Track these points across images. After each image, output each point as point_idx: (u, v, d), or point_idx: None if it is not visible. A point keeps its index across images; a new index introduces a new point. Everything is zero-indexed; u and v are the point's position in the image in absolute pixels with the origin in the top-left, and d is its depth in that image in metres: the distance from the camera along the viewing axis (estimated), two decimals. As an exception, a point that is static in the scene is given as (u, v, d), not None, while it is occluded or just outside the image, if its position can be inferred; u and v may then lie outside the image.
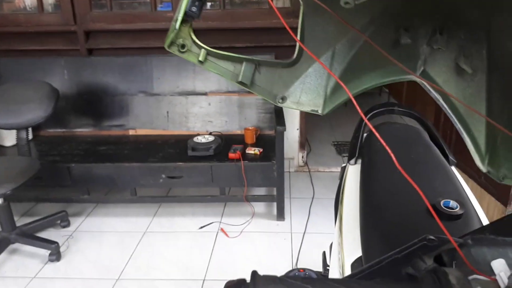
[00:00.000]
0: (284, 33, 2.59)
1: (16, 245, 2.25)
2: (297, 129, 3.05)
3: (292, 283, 0.33)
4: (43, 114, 2.25)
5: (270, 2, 0.48)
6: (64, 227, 2.47)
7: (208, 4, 2.96)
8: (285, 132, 2.33)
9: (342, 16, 0.54)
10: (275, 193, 2.45)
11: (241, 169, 2.35)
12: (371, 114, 1.42)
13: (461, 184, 0.99)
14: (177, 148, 2.55)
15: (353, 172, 1.32)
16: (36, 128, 2.84)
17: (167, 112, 2.81)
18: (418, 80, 0.65)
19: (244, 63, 0.57)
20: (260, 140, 2.62)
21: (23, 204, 2.66)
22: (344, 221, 1.09)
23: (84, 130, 2.86)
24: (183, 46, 0.54)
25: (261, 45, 2.79)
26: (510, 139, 0.59)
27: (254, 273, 0.35)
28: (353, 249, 0.93)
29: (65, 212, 2.48)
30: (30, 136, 2.60)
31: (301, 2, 0.58)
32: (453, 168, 1.16)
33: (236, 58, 0.57)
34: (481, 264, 0.36)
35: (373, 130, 0.50)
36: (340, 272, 0.94)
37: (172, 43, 0.51)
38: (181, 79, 2.77)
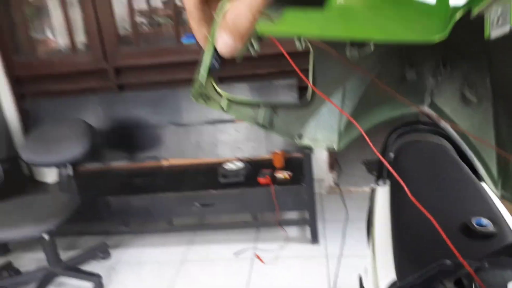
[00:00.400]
0: (304, 57, 2.64)
1: (62, 278, 2.35)
2: (325, 150, 3.06)
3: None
4: (81, 150, 2.37)
5: (278, 45, 0.51)
6: (104, 258, 2.55)
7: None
8: (313, 154, 2.36)
9: (349, 58, 0.58)
10: (307, 216, 2.46)
11: (271, 194, 2.38)
12: (394, 135, 1.43)
13: (493, 201, 0.99)
14: (208, 176, 2.62)
15: (383, 194, 1.33)
16: (75, 164, 2.99)
17: (197, 141, 2.89)
18: (426, 111, 0.68)
19: (262, 108, 0.61)
20: (288, 163, 2.65)
21: (66, 239, 2.78)
22: (376, 244, 1.10)
23: (120, 164, 2.98)
24: (208, 97, 0.58)
25: (283, 71, 2.85)
26: None
27: None
28: (387, 272, 0.93)
29: (105, 244, 2.57)
30: (71, 172, 2.74)
31: (310, 47, 0.62)
32: (484, 185, 1.15)
33: (255, 103, 0.61)
34: (498, 286, 0.38)
35: (388, 166, 0.53)
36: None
37: (197, 94, 0.55)
38: (208, 109, 2.86)
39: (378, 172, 1.41)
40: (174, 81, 3.00)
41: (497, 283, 0.34)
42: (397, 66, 0.65)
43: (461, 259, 0.45)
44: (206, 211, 2.50)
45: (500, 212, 0.95)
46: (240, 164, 2.59)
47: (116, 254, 2.59)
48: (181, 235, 2.70)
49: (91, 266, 2.45)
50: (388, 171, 1.41)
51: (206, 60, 0.48)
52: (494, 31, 0.38)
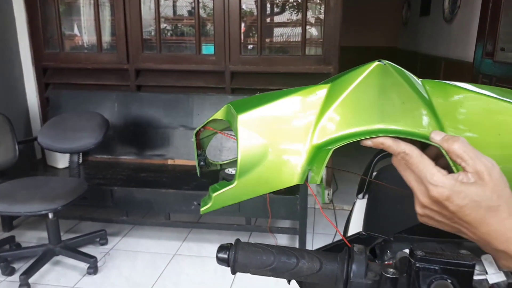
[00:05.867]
0: (315, 78, 2.80)
1: (60, 257, 2.49)
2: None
3: (260, 245, 0.51)
4: (94, 141, 2.54)
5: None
6: (102, 244, 2.70)
7: (249, 47, 3.25)
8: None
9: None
10: (298, 226, 2.58)
11: (266, 201, 2.52)
12: (379, 156, 1.56)
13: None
14: (210, 179, 2.75)
15: (360, 206, 1.46)
16: (86, 153, 3.16)
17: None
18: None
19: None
20: (286, 176, 2.78)
21: (68, 221, 2.93)
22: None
23: (128, 158, 3.15)
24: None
25: (292, 88, 3.01)
26: None
27: (237, 240, 0.52)
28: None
29: (105, 231, 2.72)
30: (81, 160, 2.91)
31: None
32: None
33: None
34: (396, 253, 0.51)
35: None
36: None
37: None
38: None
39: (359, 188, 1.55)
40: (189, 87, 3.18)
41: (396, 250, 0.47)
42: None
43: (376, 234, 0.59)
44: (203, 211, 2.63)
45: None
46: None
47: (114, 242, 2.73)
48: (177, 231, 2.83)
49: (89, 249, 2.59)
50: (368, 187, 1.55)
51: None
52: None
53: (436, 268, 0.41)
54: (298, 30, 3.16)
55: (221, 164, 0.73)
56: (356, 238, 0.57)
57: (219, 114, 0.59)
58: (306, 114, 0.50)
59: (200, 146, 0.66)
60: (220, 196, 0.54)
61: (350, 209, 1.58)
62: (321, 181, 0.47)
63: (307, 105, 0.51)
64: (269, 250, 0.50)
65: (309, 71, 3.07)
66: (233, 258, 0.50)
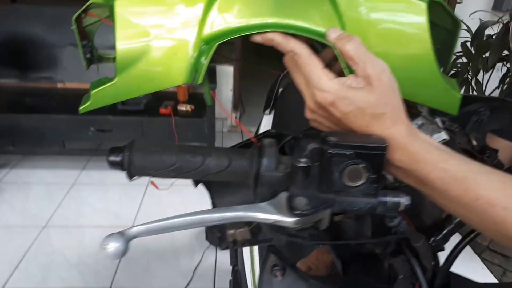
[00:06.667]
0: None
1: None
2: (231, 90, 3.14)
3: (159, 145, 0.45)
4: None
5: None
6: (-14, 178, 2.42)
7: None
8: (218, 92, 2.43)
9: None
10: (205, 148, 2.55)
11: (171, 125, 2.42)
12: (286, 71, 1.55)
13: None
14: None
15: (267, 120, 1.46)
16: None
17: (97, 66, 2.76)
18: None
19: None
20: (192, 98, 2.69)
21: None
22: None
23: (9, 81, 2.75)
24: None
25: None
26: None
27: (132, 141, 0.45)
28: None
29: (-12, 164, 2.42)
30: None
31: None
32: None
33: None
34: (304, 148, 0.48)
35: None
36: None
37: None
38: (114, 34, 2.73)
39: (266, 103, 1.54)
40: (77, -1, 2.79)
41: (303, 146, 0.44)
42: None
43: (286, 132, 0.56)
44: (103, 137, 2.46)
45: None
46: (142, 93, 2.56)
47: (1, 174, 2.46)
48: (74, 159, 2.63)
49: (-29, 185, 2.31)
50: (274, 104, 1.54)
51: None
52: None
53: (349, 153, 0.39)
54: None
55: (113, 57, 0.64)
56: (265, 136, 0.53)
57: None
58: (194, 3, 0.45)
59: (86, 36, 0.57)
60: (100, 93, 0.49)
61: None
62: (205, 80, 0.43)
63: None
64: (170, 149, 0.44)
65: None
66: (128, 160, 0.43)
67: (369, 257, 0.58)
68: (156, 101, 2.54)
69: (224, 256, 1.98)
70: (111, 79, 0.48)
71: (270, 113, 1.49)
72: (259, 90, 3.85)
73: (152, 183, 2.46)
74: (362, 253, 0.59)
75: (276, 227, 0.46)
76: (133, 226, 0.39)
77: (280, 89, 1.52)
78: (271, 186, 0.43)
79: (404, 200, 0.41)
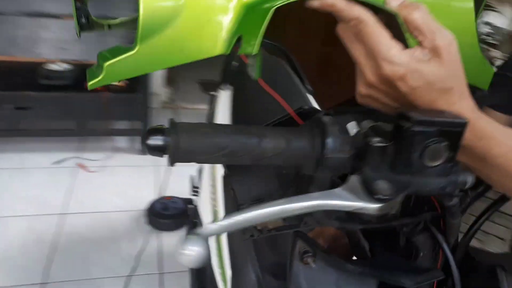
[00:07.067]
0: None
1: None
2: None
3: (206, 124, 0.37)
4: None
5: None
6: None
7: None
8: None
9: None
10: (140, 127, 2.39)
11: (101, 101, 2.22)
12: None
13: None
14: (25, 76, 2.26)
15: (225, 97, 1.39)
16: None
17: (12, 35, 2.43)
18: None
19: None
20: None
21: None
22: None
23: None
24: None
25: None
26: None
27: (173, 120, 0.37)
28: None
29: None
30: None
31: None
32: (309, 95, 1.32)
33: None
34: (341, 127, 0.44)
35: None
36: (211, 186, 1.01)
37: None
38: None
39: (223, 78, 1.47)
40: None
41: (340, 123, 0.39)
42: None
43: (318, 108, 0.52)
44: (21, 115, 2.19)
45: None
46: (67, 66, 2.31)
47: None
48: (-13, 142, 2.31)
49: None
50: (232, 78, 1.48)
51: None
52: None
53: (433, 130, 0.35)
54: None
55: (109, 25, 0.54)
56: (299, 113, 0.48)
57: None
58: None
59: None
60: (116, 66, 0.41)
61: (210, 101, 1.50)
62: (259, 52, 0.37)
63: None
64: (221, 130, 0.37)
65: None
66: (174, 143, 0.35)
67: (387, 235, 0.57)
68: (83, 74, 2.30)
69: (167, 240, 1.90)
70: (128, 49, 0.39)
71: (227, 88, 1.43)
72: (192, 65, 3.70)
73: (80, 165, 2.25)
74: (383, 232, 0.58)
75: (330, 213, 0.41)
76: (209, 224, 0.32)
77: (235, 63, 1.45)
78: (336, 169, 0.38)
79: (470, 178, 0.39)
